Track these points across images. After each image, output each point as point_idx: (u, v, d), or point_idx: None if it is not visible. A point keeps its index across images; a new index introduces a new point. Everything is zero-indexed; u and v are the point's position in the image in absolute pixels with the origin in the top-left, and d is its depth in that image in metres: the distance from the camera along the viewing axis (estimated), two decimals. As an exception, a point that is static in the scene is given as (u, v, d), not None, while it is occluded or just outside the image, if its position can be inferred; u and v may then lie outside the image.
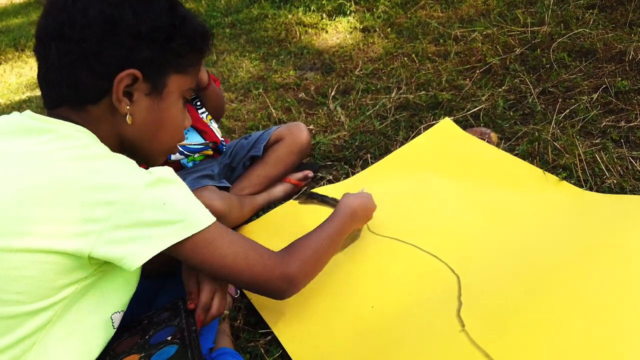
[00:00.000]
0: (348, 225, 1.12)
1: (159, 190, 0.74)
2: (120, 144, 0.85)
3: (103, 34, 0.75)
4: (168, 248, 0.75)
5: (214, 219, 0.82)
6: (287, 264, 0.91)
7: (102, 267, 0.75)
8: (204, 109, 1.60)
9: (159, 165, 0.80)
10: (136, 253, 0.72)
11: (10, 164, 0.71)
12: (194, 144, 1.55)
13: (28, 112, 0.79)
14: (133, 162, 0.78)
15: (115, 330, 0.83)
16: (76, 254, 0.69)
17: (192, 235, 0.77)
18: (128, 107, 0.80)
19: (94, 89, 0.78)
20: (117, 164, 0.75)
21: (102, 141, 0.79)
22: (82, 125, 0.77)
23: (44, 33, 0.78)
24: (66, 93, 0.78)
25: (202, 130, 1.56)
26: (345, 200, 1.17)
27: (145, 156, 0.89)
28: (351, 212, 1.14)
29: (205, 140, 1.56)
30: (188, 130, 1.54)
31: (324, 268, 1.04)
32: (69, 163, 0.71)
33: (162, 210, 0.74)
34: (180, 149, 1.52)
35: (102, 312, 0.79)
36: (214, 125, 1.60)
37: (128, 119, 0.81)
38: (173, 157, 1.53)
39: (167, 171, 0.78)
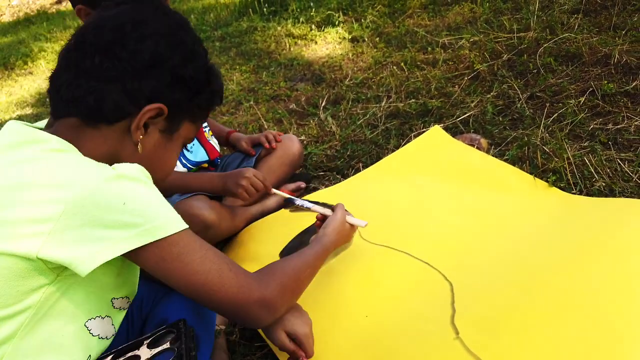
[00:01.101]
0: (328, 247, 1.06)
1: (119, 187, 0.70)
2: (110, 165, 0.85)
3: (151, 63, 0.80)
4: (129, 254, 0.70)
5: (184, 225, 0.76)
6: (265, 287, 0.83)
7: (66, 273, 0.72)
8: (205, 123, 1.63)
9: None
10: (86, 257, 0.67)
11: None
12: (198, 160, 1.58)
13: (16, 125, 0.78)
14: (94, 161, 0.74)
15: (96, 337, 0.81)
16: (25, 256, 0.66)
17: (156, 241, 0.71)
18: (141, 137, 0.82)
19: (117, 110, 0.79)
20: (75, 159, 0.73)
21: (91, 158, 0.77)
22: (70, 141, 0.76)
23: (88, 43, 0.79)
24: (87, 105, 0.78)
25: (206, 147, 1.59)
26: (327, 229, 1.09)
27: None
28: (330, 241, 1.07)
29: (209, 157, 1.59)
30: (193, 145, 1.57)
31: (311, 282, 0.99)
32: (26, 164, 0.71)
33: (121, 210, 0.69)
34: (185, 162, 1.54)
35: (76, 321, 0.77)
36: (214, 141, 1.63)
37: (139, 148, 0.83)
38: (175, 169, 1.54)
39: (134, 168, 0.74)
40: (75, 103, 0.79)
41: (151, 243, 0.71)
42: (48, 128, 0.81)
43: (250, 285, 0.81)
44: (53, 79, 0.82)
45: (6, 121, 3.13)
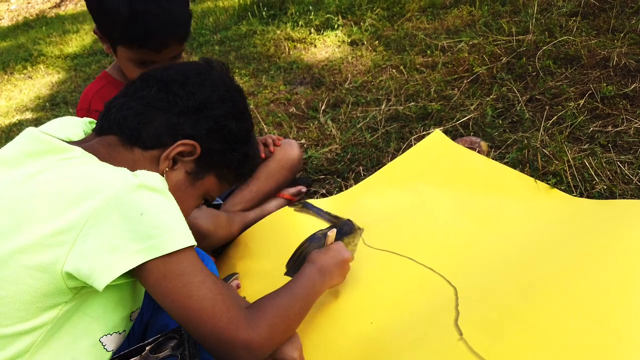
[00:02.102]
0: (320, 284, 0.99)
1: (139, 197, 0.70)
2: None
3: (200, 105, 0.85)
4: (136, 267, 0.69)
5: (192, 242, 0.75)
6: (253, 328, 0.78)
7: (84, 291, 0.72)
8: None
9: None
10: (104, 268, 0.67)
11: (4, 183, 0.72)
12: None
13: (37, 133, 0.79)
14: (117, 168, 0.75)
15: (110, 352, 0.82)
16: (50, 268, 0.66)
17: (162, 256, 0.70)
18: (167, 169, 0.85)
19: (155, 137, 0.83)
20: (96, 166, 0.73)
21: None
22: (107, 161, 0.77)
23: (152, 77, 0.86)
24: (131, 126, 0.83)
25: None
26: (312, 258, 1.03)
27: None
28: (319, 269, 1.00)
29: None
30: None
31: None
32: (50, 175, 0.71)
33: (137, 221, 0.68)
34: None
35: (91, 336, 0.77)
36: None
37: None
38: None
39: (156, 178, 0.74)
40: (120, 122, 0.83)
41: (158, 257, 0.70)
42: (82, 142, 0.83)
43: (240, 323, 0.76)
44: (110, 101, 0.87)
45: (5, 126, 3.14)
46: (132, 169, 0.78)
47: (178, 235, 0.72)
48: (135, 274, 0.71)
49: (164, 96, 0.84)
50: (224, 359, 0.78)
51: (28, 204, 0.69)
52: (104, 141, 0.82)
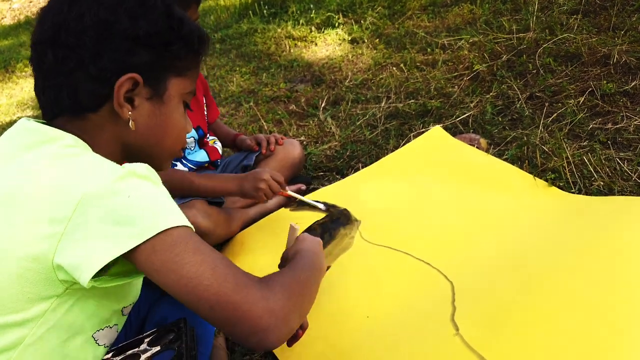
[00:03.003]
0: (317, 257, 0.91)
1: (126, 184, 0.67)
2: (123, 152, 0.83)
3: (99, 38, 0.74)
4: (129, 252, 0.65)
5: (186, 222, 0.70)
6: (267, 287, 0.69)
7: (75, 286, 0.71)
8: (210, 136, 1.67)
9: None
10: (92, 257, 0.64)
11: (2, 176, 0.71)
12: (199, 160, 1.59)
13: (30, 124, 0.77)
14: (107, 160, 0.72)
15: (102, 346, 0.81)
16: (40, 257, 0.65)
17: (152, 237, 0.65)
18: (130, 112, 0.78)
19: (93, 96, 0.76)
20: (88, 161, 0.72)
21: (101, 150, 0.76)
22: (78, 136, 0.75)
23: (38, 41, 0.77)
24: (66, 102, 0.76)
25: (208, 149, 1.62)
26: (297, 247, 0.94)
27: (150, 162, 0.82)
28: (311, 252, 0.92)
29: (210, 158, 1.61)
30: (195, 147, 1.60)
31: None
32: (42, 165, 0.70)
33: (126, 206, 0.65)
34: (186, 162, 1.55)
35: (84, 333, 0.76)
36: (218, 145, 1.65)
37: (131, 124, 0.78)
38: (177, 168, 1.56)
39: (141, 167, 0.72)
40: (55, 104, 0.77)
41: (150, 238, 0.65)
42: None
43: (249, 284, 0.67)
44: (34, 87, 0.80)
45: (6, 123, 3.14)
46: (99, 135, 0.77)
47: (168, 216, 0.68)
48: (129, 259, 0.68)
49: (62, 55, 0.74)
50: (243, 333, 0.65)
51: (21, 196, 0.68)
52: (59, 124, 0.77)
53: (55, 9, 0.76)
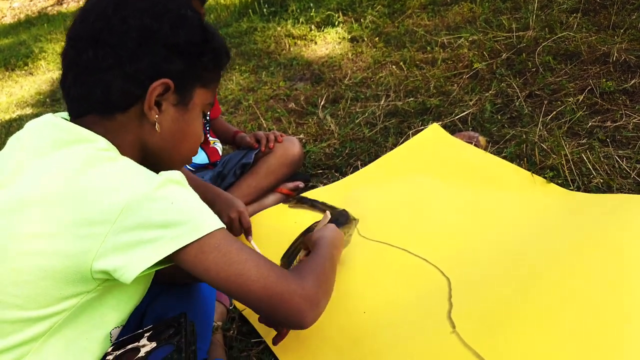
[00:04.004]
0: (337, 250, 1.09)
1: (166, 191, 0.72)
2: (141, 154, 0.85)
3: (140, 42, 0.78)
4: (173, 253, 0.71)
5: (222, 224, 0.77)
6: (302, 278, 0.83)
7: (106, 283, 0.73)
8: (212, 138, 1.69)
9: None
10: (140, 257, 0.68)
11: (36, 172, 0.72)
12: (199, 162, 1.62)
13: (59, 121, 0.78)
14: (142, 167, 0.76)
15: (110, 343, 0.82)
16: (78, 258, 0.67)
17: (199, 239, 0.72)
18: (157, 116, 0.81)
19: (125, 95, 0.79)
20: (127, 166, 0.74)
21: (122, 151, 0.79)
22: (103, 136, 0.77)
23: (78, 37, 0.79)
24: (98, 98, 0.79)
25: (208, 151, 1.64)
26: (316, 235, 1.13)
27: (166, 166, 0.88)
28: (331, 240, 1.09)
29: (210, 159, 1.64)
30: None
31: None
32: (81, 167, 0.71)
33: (170, 210, 0.70)
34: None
35: (104, 328, 0.78)
36: (218, 145, 1.66)
37: (157, 127, 0.82)
38: None
39: (176, 173, 0.76)
40: (85, 100, 0.79)
41: (195, 240, 0.72)
42: None
43: (288, 276, 0.80)
44: (62, 82, 0.82)
45: (6, 121, 3.15)
46: (129, 135, 0.79)
47: (209, 219, 0.75)
48: (173, 259, 0.72)
49: (102, 53, 0.77)
50: (284, 317, 0.80)
51: (58, 195, 0.69)
52: (86, 123, 0.79)
53: (98, 9, 0.79)
